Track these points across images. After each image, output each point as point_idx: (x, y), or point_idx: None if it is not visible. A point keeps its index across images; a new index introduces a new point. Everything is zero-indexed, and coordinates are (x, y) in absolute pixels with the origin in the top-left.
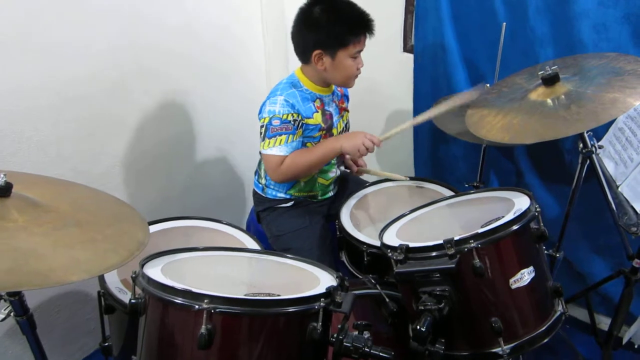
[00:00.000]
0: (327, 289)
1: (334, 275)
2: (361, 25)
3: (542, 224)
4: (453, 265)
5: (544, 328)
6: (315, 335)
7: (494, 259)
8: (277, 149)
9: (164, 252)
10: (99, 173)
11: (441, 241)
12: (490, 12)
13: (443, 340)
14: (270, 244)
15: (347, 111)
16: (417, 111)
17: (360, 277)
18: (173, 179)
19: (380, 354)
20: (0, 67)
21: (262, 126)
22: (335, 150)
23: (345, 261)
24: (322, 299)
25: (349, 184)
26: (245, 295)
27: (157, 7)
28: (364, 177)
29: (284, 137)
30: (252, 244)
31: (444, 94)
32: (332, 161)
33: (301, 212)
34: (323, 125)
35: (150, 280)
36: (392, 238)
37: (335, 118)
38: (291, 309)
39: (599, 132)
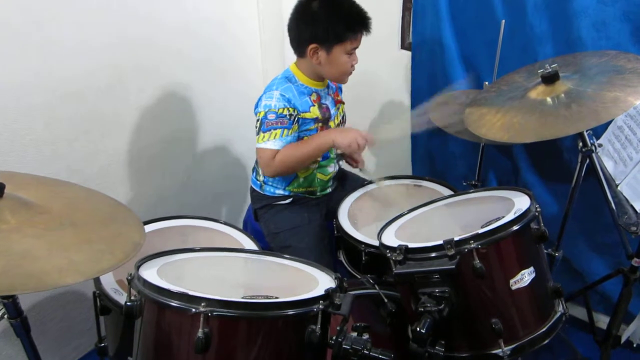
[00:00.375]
0: (325, 291)
1: (333, 276)
2: (359, 22)
3: (542, 224)
4: (453, 266)
5: (544, 329)
6: (314, 338)
7: (494, 259)
8: (272, 142)
9: (159, 254)
10: (94, 172)
11: (441, 242)
12: (488, 9)
13: (443, 342)
14: (267, 242)
15: (343, 103)
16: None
17: (359, 277)
18: (169, 177)
19: (380, 356)
20: None
21: (257, 120)
22: (327, 143)
23: (343, 260)
24: (320, 302)
25: (347, 181)
26: (242, 297)
27: (152, 3)
28: (362, 174)
29: (278, 131)
30: (249, 243)
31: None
32: (331, 156)
33: (299, 209)
34: (320, 117)
35: (146, 283)
36: (390, 238)
37: (332, 111)
38: (289, 312)
39: (598, 131)
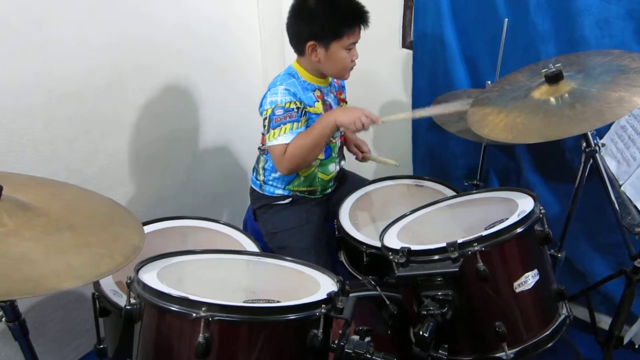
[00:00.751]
0: (327, 294)
1: (335, 279)
2: (355, 16)
3: (546, 226)
4: (456, 269)
5: (548, 332)
6: (316, 342)
7: (498, 262)
8: (282, 137)
9: (159, 256)
10: (93, 172)
11: (444, 244)
12: (490, 8)
13: (446, 346)
14: (265, 242)
15: (345, 102)
16: (415, 108)
17: (360, 278)
18: (169, 177)
19: None
20: None
21: (265, 118)
22: (330, 123)
23: (344, 261)
24: (322, 306)
25: (348, 182)
26: (244, 301)
27: (152, 3)
28: (363, 174)
29: (288, 125)
30: (250, 245)
31: (443, 90)
32: (333, 154)
33: (298, 209)
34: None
35: (145, 287)
36: (393, 240)
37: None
38: (291, 317)
39: (600, 130)
